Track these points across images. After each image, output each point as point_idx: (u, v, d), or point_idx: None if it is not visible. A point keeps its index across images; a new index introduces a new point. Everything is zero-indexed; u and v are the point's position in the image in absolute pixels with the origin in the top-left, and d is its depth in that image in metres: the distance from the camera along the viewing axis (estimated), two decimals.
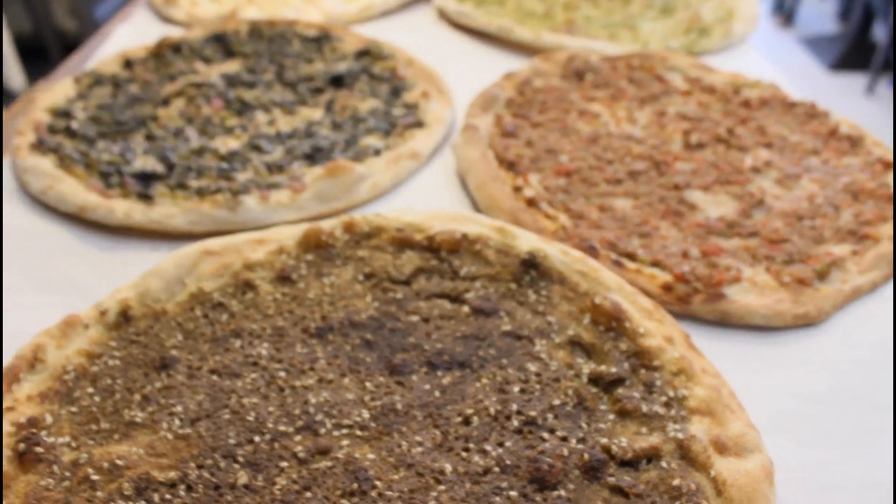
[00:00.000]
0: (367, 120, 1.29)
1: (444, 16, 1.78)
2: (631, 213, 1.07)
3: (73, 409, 0.79)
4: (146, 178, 1.13)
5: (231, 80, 1.44)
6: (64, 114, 1.33)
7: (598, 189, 1.11)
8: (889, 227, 1.06)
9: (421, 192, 1.16)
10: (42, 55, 3.49)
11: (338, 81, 1.43)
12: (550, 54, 1.45)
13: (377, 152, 1.19)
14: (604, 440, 0.74)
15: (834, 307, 0.94)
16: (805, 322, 0.92)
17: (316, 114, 1.34)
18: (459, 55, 1.63)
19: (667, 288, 0.93)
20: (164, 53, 1.54)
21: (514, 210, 1.03)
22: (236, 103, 1.36)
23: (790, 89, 1.45)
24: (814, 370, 0.87)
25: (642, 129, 1.27)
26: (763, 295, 0.93)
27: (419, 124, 1.26)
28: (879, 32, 5.12)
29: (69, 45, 3.51)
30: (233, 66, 1.51)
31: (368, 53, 1.52)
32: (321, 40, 1.58)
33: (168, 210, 1.07)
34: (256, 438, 0.75)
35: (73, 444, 0.75)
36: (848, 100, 4.87)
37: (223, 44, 1.58)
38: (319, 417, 0.77)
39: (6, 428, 0.76)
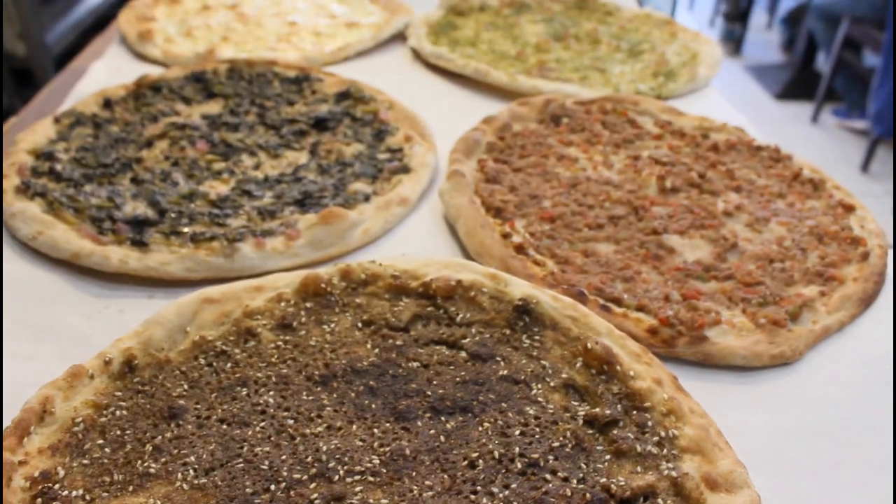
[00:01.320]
0: (353, 165, 1.33)
1: (419, 57, 1.83)
2: (613, 257, 1.12)
3: (85, 461, 0.80)
4: (139, 223, 1.14)
5: (214, 122, 1.46)
6: (47, 156, 1.32)
7: (580, 234, 1.16)
8: (852, 269, 1.13)
9: (410, 237, 1.20)
10: None
11: (320, 124, 1.46)
12: (527, 98, 1.51)
13: (367, 198, 1.22)
14: (603, 480, 0.78)
15: (806, 347, 1.00)
16: (781, 361, 0.98)
17: (301, 157, 1.37)
18: (435, 96, 1.68)
19: (652, 331, 0.98)
20: (143, 93, 1.55)
21: (504, 257, 1.08)
22: (221, 146, 1.38)
23: (753, 131, 1.53)
24: (792, 407, 0.93)
25: (618, 173, 1.34)
26: (741, 336, 0.99)
27: (405, 169, 1.30)
28: (822, 63, 5.37)
29: (18, 69, 3.48)
30: (213, 107, 1.53)
31: (349, 96, 1.56)
32: (301, 81, 1.61)
33: (164, 257, 1.08)
34: (272, 487, 0.77)
35: (88, 497, 0.76)
36: (794, 127, 5.09)
37: (203, 84, 1.59)
38: (332, 464, 0.79)
39: (20, 483, 0.76)
